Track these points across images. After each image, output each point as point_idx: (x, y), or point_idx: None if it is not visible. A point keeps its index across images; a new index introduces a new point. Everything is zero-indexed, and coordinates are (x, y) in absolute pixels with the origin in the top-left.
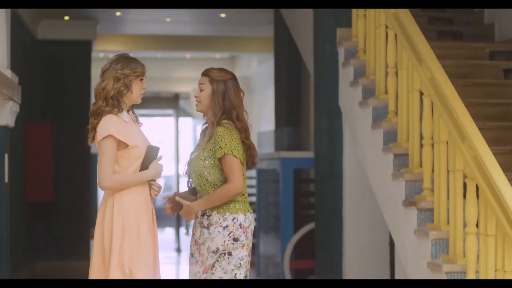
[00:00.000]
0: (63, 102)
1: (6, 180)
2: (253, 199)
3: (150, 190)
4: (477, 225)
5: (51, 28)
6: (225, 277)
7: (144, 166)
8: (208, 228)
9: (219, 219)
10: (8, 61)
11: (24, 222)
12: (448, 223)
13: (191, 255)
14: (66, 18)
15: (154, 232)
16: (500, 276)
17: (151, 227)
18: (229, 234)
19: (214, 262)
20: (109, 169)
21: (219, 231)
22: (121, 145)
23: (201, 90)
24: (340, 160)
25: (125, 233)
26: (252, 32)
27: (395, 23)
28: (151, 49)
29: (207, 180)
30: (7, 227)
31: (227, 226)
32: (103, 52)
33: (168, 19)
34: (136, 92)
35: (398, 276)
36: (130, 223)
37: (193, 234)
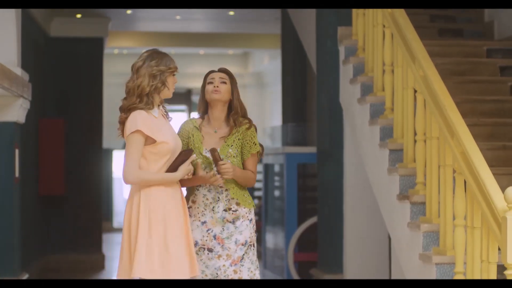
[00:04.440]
0: (76, 98)
1: (17, 174)
2: (260, 193)
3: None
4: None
5: (63, 26)
6: (252, 267)
7: (172, 168)
8: (233, 222)
9: (246, 213)
10: (18, 59)
11: (37, 215)
12: (439, 216)
13: (209, 250)
14: (78, 16)
15: (187, 229)
16: (485, 267)
17: (181, 226)
18: (253, 227)
19: (243, 254)
20: (134, 164)
21: (246, 224)
22: (149, 140)
23: (222, 83)
24: (340, 156)
25: (152, 231)
26: (262, 29)
27: (391, 22)
28: (164, 45)
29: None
30: (18, 220)
31: (251, 219)
32: (117, 48)
33: (178, 17)
34: (171, 88)
35: (394, 268)
36: (157, 223)
37: (209, 229)
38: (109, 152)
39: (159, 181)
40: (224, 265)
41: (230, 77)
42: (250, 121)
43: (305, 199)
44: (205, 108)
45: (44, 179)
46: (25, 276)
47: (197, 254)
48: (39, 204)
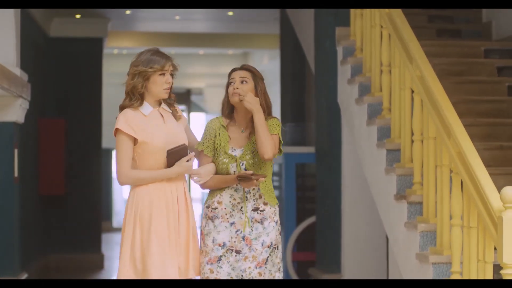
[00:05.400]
0: (76, 98)
1: (16, 174)
2: None
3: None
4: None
5: (63, 26)
6: (273, 270)
7: (169, 165)
8: (262, 222)
9: (272, 213)
10: (17, 60)
11: (36, 215)
12: (436, 216)
13: (237, 252)
14: (78, 16)
15: (189, 227)
16: (481, 266)
17: (174, 225)
18: (278, 229)
19: (268, 257)
20: (124, 164)
21: (273, 226)
22: (136, 139)
23: (242, 82)
24: (339, 155)
25: (136, 231)
26: (261, 29)
27: (389, 23)
28: (163, 45)
29: (266, 168)
30: (17, 219)
31: (277, 221)
32: (117, 48)
33: (177, 17)
34: (157, 87)
35: (392, 267)
36: (142, 221)
37: (238, 230)
38: (108, 152)
39: (154, 178)
40: (249, 267)
41: (253, 74)
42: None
43: (303, 199)
44: (230, 108)
45: (44, 179)
46: (24, 276)
47: (225, 256)
48: (39, 203)
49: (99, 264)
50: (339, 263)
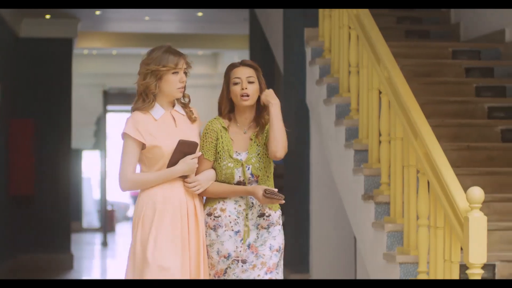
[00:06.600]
0: (45, 99)
1: None
2: None
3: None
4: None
5: (32, 27)
6: (281, 274)
7: (172, 162)
8: (267, 228)
9: (277, 218)
10: None
11: (6, 215)
12: (403, 216)
13: (243, 261)
14: (48, 16)
15: (192, 236)
16: (447, 266)
17: (182, 231)
18: (283, 233)
19: (278, 261)
20: (126, 169)
21: (279, 230)
22: (145, 144)
23: (250, 83)
24: (307, 156)
25: (137, 235)
26: (231, 30)
27: (357, 24)
28: (133, 46)
29: (271, 171)
30: None
31: (281, 224)
32: (87, 49)
33: (147, 18)
34: (170, 87)
35: (360, 267)
36: (144, 225)
37: (241, 239)
38: (78, 152)
39: (158, 179)
40: (259, 275)
41: (256, 71)
42: None
43: None
44: (230, 108)
45: (14, 179)
46: None
47: (230, 267)
48: (8, 204)
49: (69, 264)
50: (307, 263)
